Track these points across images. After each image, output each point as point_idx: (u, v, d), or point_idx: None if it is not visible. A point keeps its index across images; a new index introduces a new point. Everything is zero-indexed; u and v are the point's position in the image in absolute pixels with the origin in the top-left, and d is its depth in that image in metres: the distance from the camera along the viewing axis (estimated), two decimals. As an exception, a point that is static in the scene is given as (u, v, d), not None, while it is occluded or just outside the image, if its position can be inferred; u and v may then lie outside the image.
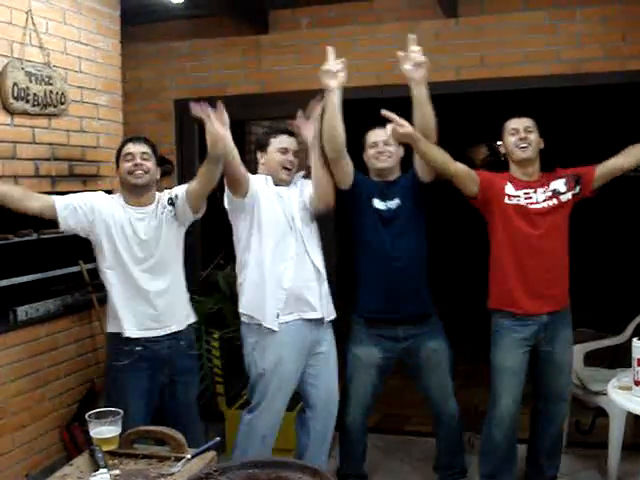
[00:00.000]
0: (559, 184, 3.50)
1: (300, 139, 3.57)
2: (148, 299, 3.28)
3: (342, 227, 3.76)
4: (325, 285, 3.54)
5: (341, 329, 3.79)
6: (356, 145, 3.62)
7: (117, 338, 3.30)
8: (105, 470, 2.18)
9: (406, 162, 3.66)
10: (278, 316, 3.39)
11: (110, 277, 3.32)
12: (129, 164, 3.24)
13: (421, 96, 3.41)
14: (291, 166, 3.52)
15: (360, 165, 3.64)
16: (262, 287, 3.41)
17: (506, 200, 3.48)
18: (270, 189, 3.48)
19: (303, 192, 3.54)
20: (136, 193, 3.28)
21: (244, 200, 3.37)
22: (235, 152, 3.25)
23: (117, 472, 2.23)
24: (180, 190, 3.34)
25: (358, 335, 3.69)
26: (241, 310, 3.49)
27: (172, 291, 3.37)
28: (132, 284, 3.27)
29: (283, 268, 3.41)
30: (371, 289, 3.62)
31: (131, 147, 3.27)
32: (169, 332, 3.32)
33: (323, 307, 3.50)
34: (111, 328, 3.35)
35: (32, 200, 3.17)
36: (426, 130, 3.40)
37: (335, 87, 3.37)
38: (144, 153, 3.26)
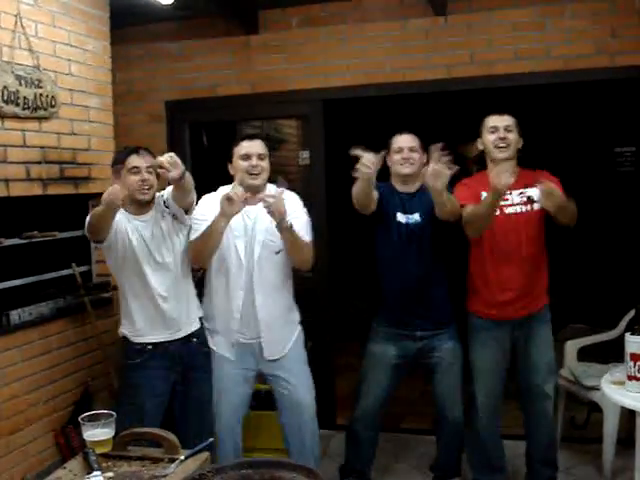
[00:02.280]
0: (535, 192, 3.44)
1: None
2: (157, 304, 3.31)
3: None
4: (275, 321, 3.48)
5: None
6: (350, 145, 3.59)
7: (128, 337, 3.38)
8: (98, 473, 2.18)
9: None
10: (233, 345, 3.45)
11: (121, 281, 3.38)
12: (136, 178, 3.25)
13: (441, 198, 3.32)
14: (255, 171, 3.38)
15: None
16: (220, 317, 3.47)
17: None
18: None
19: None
20: (140, 205, 3.31)
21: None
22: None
23: (111, 474, 2.23)
24: (167, 192, 3.34)
25: (376, 333, 3.73)
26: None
27: (181, 294, 3.40)
28: (142, 288, 3.30)
29: (238, 299, 3.41)
30: (390, 305, 3.68)
31: (136, 160, 3.26)
32: (178, 337, 3.37)
33: (265, 343, 3.47)
34: (122, 330, 3.41)
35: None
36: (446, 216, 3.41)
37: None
38: (149, 167, 3.27)
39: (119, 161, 3.33)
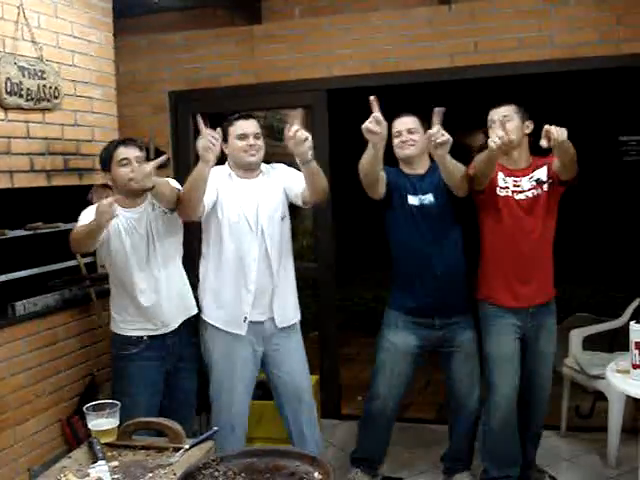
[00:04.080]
0: (541, 173, 3.47)
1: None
2: (143, 301, 3.30)
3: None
4: (286, 288, 3.53)
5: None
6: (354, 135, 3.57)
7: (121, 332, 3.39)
8: (103, 462, 2.19)
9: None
10: (245, 319, 3.44)
11: (112, 275, 3.37)
12: (126, 170, 3.23)
13: (445, 164, 3.33)
14: (253, 150, 3.44)
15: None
16: (228, 293, 3.46)
17: (497, 191, 3.46)
18: (233, 183, 3.47)
19: (284, 182, 3.50)
20: (133, 196, 3.29)
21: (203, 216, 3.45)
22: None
23: (115, 464, 2.24)
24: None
25: (394, 322, 3.69)
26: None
27: (174, 286, 3.40)
28: (134, 287, 3.29)
29: (251, 272, 3.43)
30: (407, 289, 3.64)
31: (125, 151, 3.25)
32: (172, 329, 3.37)
33: (278, 311, 3.50)
34: (116, 329, 3.41)
35: None
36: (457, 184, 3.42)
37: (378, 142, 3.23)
38: (138, 157, 3.26)
39: (107, 157, 3.30)
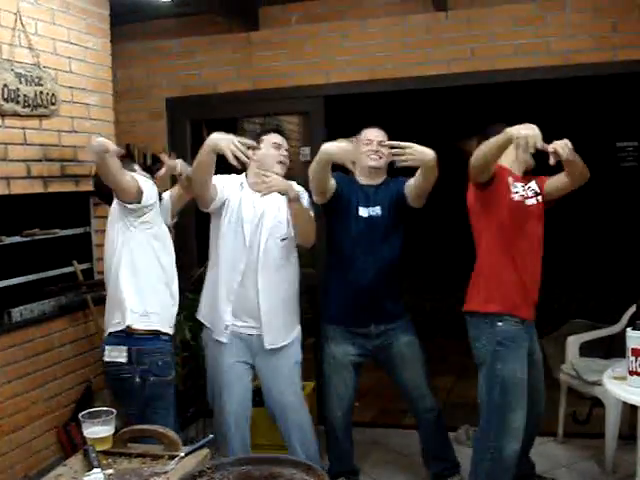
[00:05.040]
0: (535, 185, 3.41)
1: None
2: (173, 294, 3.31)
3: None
4: (277, 309, 3.49)
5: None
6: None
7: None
8: (99, 470, 2.18)
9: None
10: (227, 327, 3.46)
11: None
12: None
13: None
14: (285, 160, 3.52)
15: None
16: (215, 297, 3.50)
17: (512, 195, 3.27)
18: (242, 193, 3.49)
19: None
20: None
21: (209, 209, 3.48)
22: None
23: (111, 471, 2.23)
24: (166, 193, 3.42)
25: (331, 334, 3.70)
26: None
27: None
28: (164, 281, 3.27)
29: (233, 282, 3.45)
30: (342, 300, 3.64)
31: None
32: None
33: (266, 330, 3.47)
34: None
35: None
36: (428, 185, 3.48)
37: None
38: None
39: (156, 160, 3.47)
